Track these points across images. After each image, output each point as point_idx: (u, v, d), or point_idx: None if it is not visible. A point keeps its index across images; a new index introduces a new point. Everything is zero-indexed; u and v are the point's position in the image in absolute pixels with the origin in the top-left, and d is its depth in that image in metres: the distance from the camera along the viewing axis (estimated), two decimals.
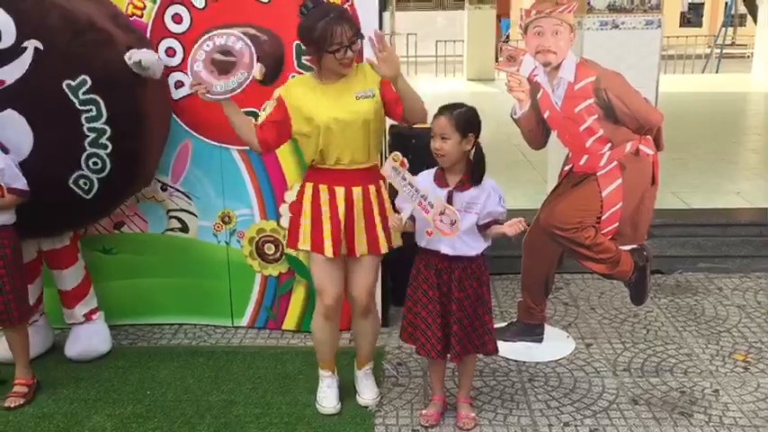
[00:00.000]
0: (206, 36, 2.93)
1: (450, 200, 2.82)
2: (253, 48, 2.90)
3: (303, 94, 2.88)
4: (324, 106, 2.83)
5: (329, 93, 2.86)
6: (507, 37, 21.42)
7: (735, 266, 4.76)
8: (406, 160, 2.79)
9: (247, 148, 3.64)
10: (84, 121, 3.17)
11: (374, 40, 2.68)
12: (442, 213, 2.71)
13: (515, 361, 3.57)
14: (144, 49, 3.29)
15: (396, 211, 2.94)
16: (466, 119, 2.81)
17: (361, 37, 2.82)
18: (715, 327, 3.95)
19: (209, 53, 2.87)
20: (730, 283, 4.56)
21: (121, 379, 3.47)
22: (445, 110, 2.83)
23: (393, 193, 2.95)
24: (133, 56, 3.19)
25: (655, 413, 3.12)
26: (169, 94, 3.62)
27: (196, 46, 2.91)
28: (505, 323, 3.87)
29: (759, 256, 4.83)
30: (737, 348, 3.69)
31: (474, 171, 2.85)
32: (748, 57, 17.77)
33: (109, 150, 3.22)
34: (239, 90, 2.87)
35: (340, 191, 2.89)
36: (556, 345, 3.73)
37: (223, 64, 2.88)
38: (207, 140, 3.70)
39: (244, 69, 2.87)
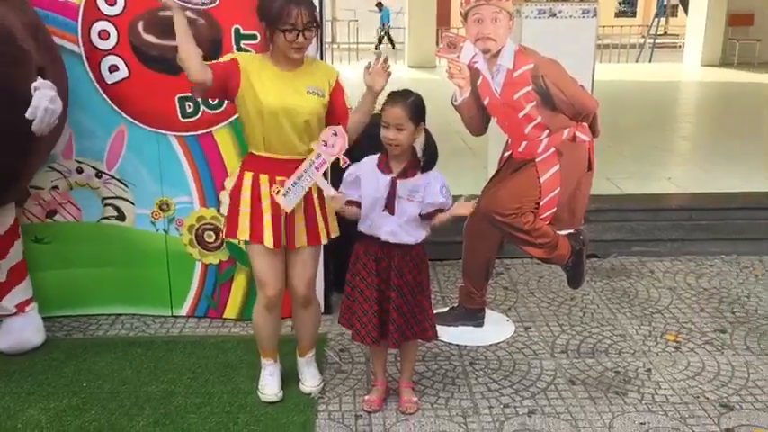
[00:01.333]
0: None
1: (393, 187, 2.83)
2: None
3: (257, 70, 2.81)
4: (274, 91, 2.78)
5: (281, 79, 2.81)
6: (383, 26, 21.81)
7: (666, 250, 4.92)
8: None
9: (187, 134, 3.60)
10: None
11: (380, 59, 2.81)
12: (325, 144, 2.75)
13: (456, 345, 3.62)
14: (44, 97, 3.05)
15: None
16: (417, 107, 2.80)
17: (317, 26, 2.80)
18: (648, 308, 4.08)
19: None
20: (662, 266, 4.71)
21: (56, 371, 3.38)
22: (398, 98, 2.79)
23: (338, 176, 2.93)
24: (33, 110, 3.02)
25: (591, 393, 3.20)
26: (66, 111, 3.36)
27: None
28: (447, 308, 3.92)
29: (689, 240, 5.00)
30: (669, 329, 3.82)
31: (427, 159, 2.84)
32: (680, 47, 18.34)
33: None
34: (202, 7, 2.87)
35: (281, 181, 2.86)
36: (496, 328, 3.80)
37: None
38: (144, 126, 3.61)
39: None
